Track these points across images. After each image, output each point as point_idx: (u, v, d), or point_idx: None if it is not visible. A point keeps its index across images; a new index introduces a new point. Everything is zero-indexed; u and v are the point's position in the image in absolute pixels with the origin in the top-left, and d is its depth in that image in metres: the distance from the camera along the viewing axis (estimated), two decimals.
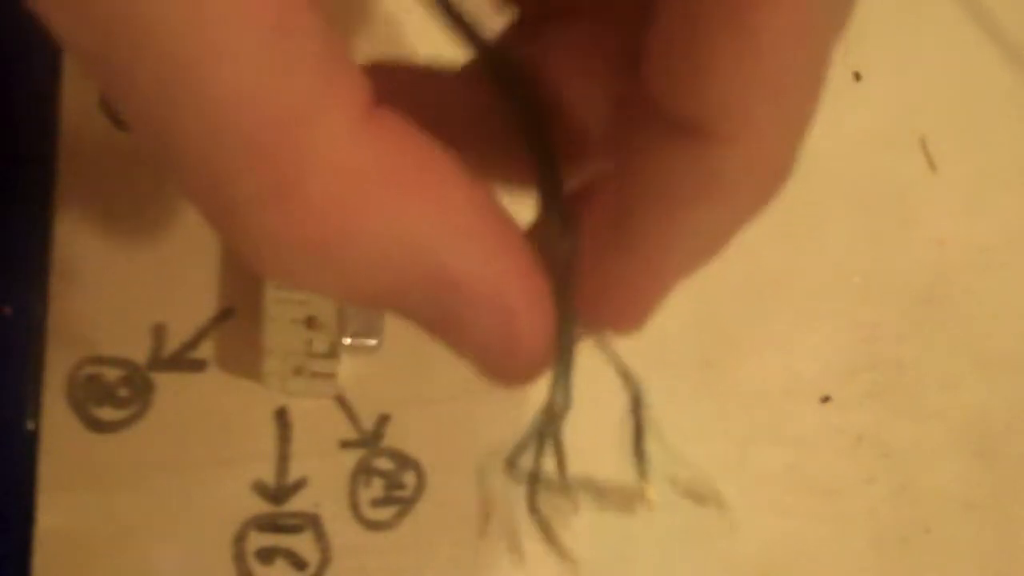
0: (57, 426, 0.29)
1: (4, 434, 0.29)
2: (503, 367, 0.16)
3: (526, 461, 0.16)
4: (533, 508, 0.16)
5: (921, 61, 0.38)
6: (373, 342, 0.31)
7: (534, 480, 0.16)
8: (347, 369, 0.31)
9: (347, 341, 0.30)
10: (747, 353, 0.36)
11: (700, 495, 0.17)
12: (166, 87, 0.13)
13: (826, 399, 0.36)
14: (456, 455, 0.32)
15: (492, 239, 0.15)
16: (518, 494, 0.16)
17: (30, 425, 0.29)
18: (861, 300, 0.37)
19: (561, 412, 0.16)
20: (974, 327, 0.38)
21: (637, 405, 0.16)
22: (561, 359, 0.16)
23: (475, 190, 0.15)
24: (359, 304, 0.15)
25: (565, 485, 0.16)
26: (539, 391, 0.17)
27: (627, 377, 0.16)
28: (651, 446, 0.16)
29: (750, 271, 0.36)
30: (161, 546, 0.29)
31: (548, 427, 0.16)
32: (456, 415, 0.32)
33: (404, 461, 0.32)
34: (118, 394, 0.30)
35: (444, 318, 0.15)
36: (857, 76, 0.38)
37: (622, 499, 0.16)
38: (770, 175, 0.16)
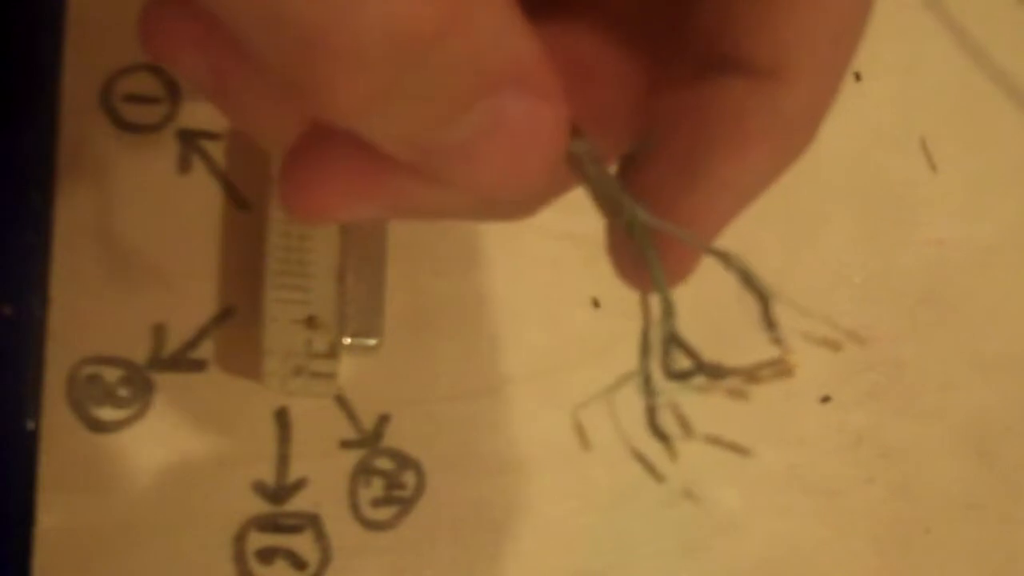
0: (57, 426, 0.29)
1: (4, 434, 0.29)
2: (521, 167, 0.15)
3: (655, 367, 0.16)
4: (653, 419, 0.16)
5: (921, 61, 0.38)
6: (373, 342, 0.31)
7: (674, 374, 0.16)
8: (347, 369, 0.31)
9: (347, 341, 0.30)
10: (747, 353, 0.36)
11: (835, 343, 0.17)
12: None
13: (826, 399, 0.36)
14: (456, 455, 0.32)
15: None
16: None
17: (30, 425, 0.29)
18: (861, 300, 0.37)
19: (670, 311, 0.16)
20: (974, 327, 0.38)
21: (748, 277, 0.17)
22: (652, 264, 0.16)
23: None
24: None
25: (713, 368, 0.17)
26: (539, 399, 0.17)
27: (726, 258, 0.16)
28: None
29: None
30: (161, 546, 0.29)
31: (665, 327, 0.16)
32: (456, 415, 0.32)
33: (404, 461, 0.32)
34: (118, 394, 0.30)
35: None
36: (857, 76, 0.38)
37: (769, 370, 0.17)
38: (821, 114, 0.17)
